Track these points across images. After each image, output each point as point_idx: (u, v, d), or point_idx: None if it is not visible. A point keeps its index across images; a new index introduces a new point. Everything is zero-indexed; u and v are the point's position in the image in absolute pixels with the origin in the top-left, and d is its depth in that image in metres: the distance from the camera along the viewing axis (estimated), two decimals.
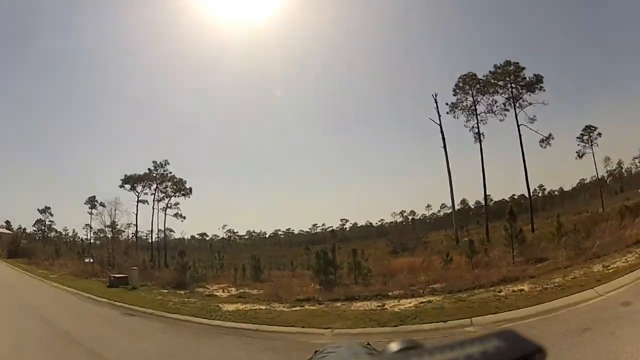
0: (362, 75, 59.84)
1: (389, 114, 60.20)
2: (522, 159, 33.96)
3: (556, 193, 41.86)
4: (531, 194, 35.02)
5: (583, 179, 40.42)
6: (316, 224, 53.72)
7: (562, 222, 23.87)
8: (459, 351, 0.54)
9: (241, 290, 24.34)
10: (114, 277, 28.06)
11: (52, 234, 57.98)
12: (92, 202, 49.99)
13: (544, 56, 56.98)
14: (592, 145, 36.71)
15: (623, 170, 40.75)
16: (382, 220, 48.90)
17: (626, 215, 23.03)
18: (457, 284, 18.79)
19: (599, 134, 36.72)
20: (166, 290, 25.29)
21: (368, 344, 1.63)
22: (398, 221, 48.37)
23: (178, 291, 24.97)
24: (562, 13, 49.06)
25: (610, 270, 15.86)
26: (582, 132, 37.06)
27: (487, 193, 37.69)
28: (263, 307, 19.10)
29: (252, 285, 26.45)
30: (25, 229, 59.48)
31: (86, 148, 62.57)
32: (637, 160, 40.00)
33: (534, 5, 50.58)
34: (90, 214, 49.66)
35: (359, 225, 49.41)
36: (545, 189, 42.96)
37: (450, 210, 41.01)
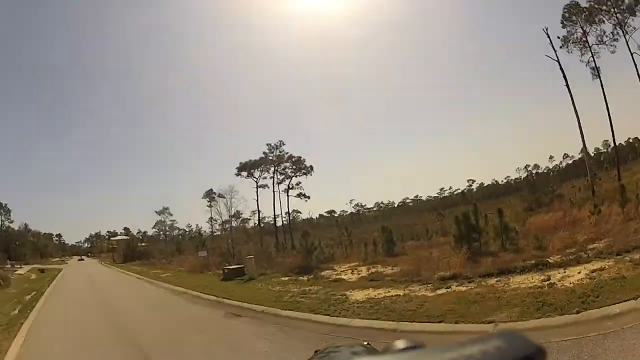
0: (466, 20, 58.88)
1: (497, 60, 58.68)
2: None
3: None
4: None
5: None
6: (443, 188, 54.07)
7: None
8: (459, 351, 0.53)
9: (373, 270, 22.74)
10: (228, 269, 27.35)
11: (175, 232, 61.86)
12: (209, 195, 51.57)
13: None
14: None
15: None
16: (507, 177, 48.35)
17: None
18: (622, 240, 16.70)
19: None
20: (287, 278, 23.98)
21: (368, 343, 1.61)
22: (523, 177, 47.01)
23: (301, 277, 23.57)
24: None
25: None
26: None
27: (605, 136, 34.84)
28: (400, 293, 16.78)
29: (385, 261, 24.86)
30: (145, 232, 64.05)
31: (200, 142, 67.16)
32: None
33: None
34: (210, 206, 51.38)
35: (485, 185, 48.57)
36: None
37: (573, 160, 38.90)
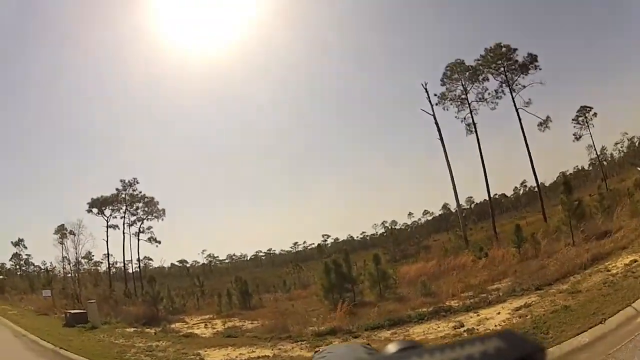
0: (339, 71, 58.94)
1: (369, 115, 59.65)
2: (525, 145, 32.96)
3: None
4: (538, 182, 33.56)
5: (576, 166, 41.02)
6: (297, 242, 52.55)
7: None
8: (459, 351, 0.54)
9: (229, 324, 20.75)
10: (70, 313, 24.70)
11: (31, 267, 53.75)
12: (61, 231, 45.89)
13: (536, 37, 57.87)
14: (587, 126, 36.75)
15: (608, 155, 41.47)
16: (363, 232, 48.49)
17: None
18: (531, 277, 16.09)
19: (595, 114, 36.71)
20: (133, 329, 21.57)
21: (368, 344, 1.75)
22: (379, 232, 47.76)
23: (148, 329, 21.19)
24: None
25: None
26: (578, 114, 37.00)
27: (469, 192, 36.74)
28: (268, 353, 14.08)
29: (242, 314, 23.30)
30: (3, 263, 55.81)
31: (53, 169, 57.64)
32: (619, 146, 40.82)
33: None
34: (61, 243, 45.70)
35: (340, 240, 47.98)
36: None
37: (433, 217, 40.62)
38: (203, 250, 50.60)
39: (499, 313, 13.56)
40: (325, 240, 48.23)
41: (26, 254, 53.40)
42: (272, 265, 48.62)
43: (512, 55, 33.79)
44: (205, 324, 21.82)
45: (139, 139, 62.40)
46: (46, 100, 57.14)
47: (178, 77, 65.30)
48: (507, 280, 17.07)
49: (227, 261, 51.93)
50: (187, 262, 50.35)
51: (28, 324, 24.93)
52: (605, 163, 40.11)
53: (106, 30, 60.10)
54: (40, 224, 56.93)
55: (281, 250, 52.25)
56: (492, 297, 15.19)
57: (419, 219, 48.18)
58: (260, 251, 52.69)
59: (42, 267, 52.03)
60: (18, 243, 52.61)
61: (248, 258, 52.64)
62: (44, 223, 52.07)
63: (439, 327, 13.66)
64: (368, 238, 43.97)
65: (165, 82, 63.63)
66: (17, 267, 55.44)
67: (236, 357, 14.12)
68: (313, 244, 50.29)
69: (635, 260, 13.63)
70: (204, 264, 50.24)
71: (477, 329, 12.68)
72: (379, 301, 18.67)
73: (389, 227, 45.73)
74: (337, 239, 47.59)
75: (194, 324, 22.48)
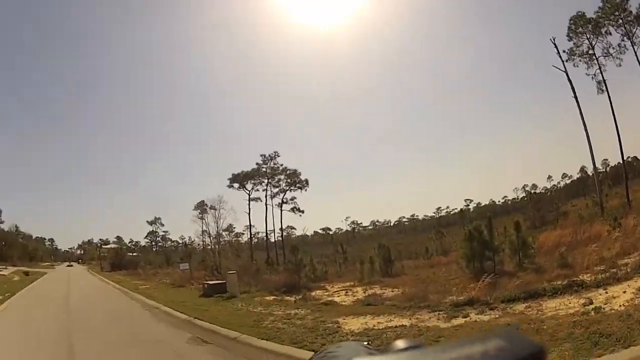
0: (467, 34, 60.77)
1: (501, 76, 60.55)
2: None
3: None
4: None
5: None
6: (440, 207, 55.17)
7: None
8: (459, 351, 0.56)
9: (370, 292, 21.39)
10: (208, 284, 26.27)
11: (168, 243, 62.87)
12: (201, 206, 52.18)
13: None
14: None
15: None
16: (505, 197, 49.66)
17: None
18: None
19: None
20: (272, 298, 22.69)
21: (368, 343, 1.60)
22: (520, 197, 48.39)
23: (287, 297, 22.30)
24: None
25: None
26: None
27: (605, 154, 35.74)
28: (406, 322, 14.89)
29: (383, 282, 23.86)
30: (137, 242, 66.43)
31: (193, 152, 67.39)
32: None
33: None
34: (201, 219, 52.31)
35: (482, 205, 49.50)
36: None
37: (571, 180, 40.10)
38: (347, 217, 52.70)
39: (624, 292, 14.03)
40: (468, 205, 48.65)
41: (163, 231, 58.41)
42: (415, 231, 49.17)
43: (625, 6, 32.40)
44: (346, 292, 22.58)
45: (283, 116, 66.63)
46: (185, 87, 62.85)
47: (324, 54, 68.58)
48: (636, 254, 17.11)
49: (370, 227, 53.25)
50: (330, 230, 52.24)
51: (161, 297, 26.76)
52: None
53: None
54: (179, 203, 62.60)
55: (424, 215, 53.23)
56: (620, 273, 15.65)
57: (558, 183, 46.87)
58: (404, 217, 53.98)
59: (180, 242, 56.64)
60: (155, 221, 57.95)
61: (391, 224, 53.77)
62: (183, 202, 57.07)
63: (570, 303, 14.40)
64: (509, 202, 43.98)
65: (308, 59, 66.83)
66: (153, 243, 60.49)
67: (374, 325, 14.75)
68: (455, 208, 50.84)
69: None
70: (347, 231, 51.79)
71: (604, 308, 13.49)
72: (517, 271, 19.42)
73: (529, 192, 44.83)
74: (479, 203, 48.01)
75: (334, 292, 23.14)
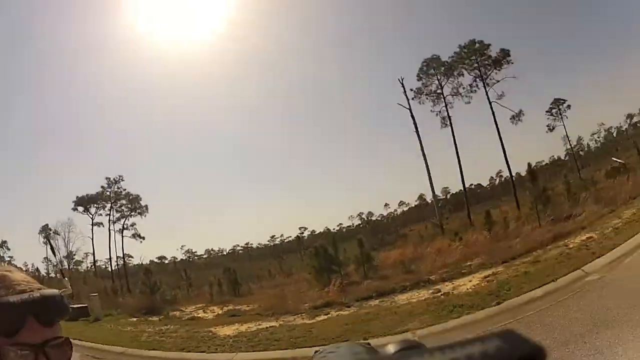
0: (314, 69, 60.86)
1: (345, 111, 61.95)
2: (498, 137, 34.91)
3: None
4: (512, 172, 35.83)
5: (552, 156, 43.72)
6: (274, 236, 54.20)
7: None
8: (459, 351, 0.54)
9: (227, 308, 22.32)
10: (71, 307, 23.54)
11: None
12: (45, 230, 46.21)
13: (510, 31, 60.29)
14: (561, 118, 39.27)
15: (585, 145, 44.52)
16: (340, 224, 50.26)
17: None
18: (499, 255, 18.72)
19: (568, 107, 39.21)
20: (136, 319, 22.82)
21: (368, 343, 1.46)
22: (356, 224, 49.60)
23: (150, 318, 22.58)
24: None
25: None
26: (551, 106, 39.30)
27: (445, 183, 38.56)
28: (274, 324, 16.36)
29: (235, 301, 24.75)
30: None
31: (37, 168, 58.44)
32: (595, 136, 43.93)
33: None
34: (46, 244, 46.22)
35: (317, 232, 49.80)
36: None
37: (409, 207, 42.46)
38: (182, 246, 51.88)
39: (470, 281, 16.40)
40: (302, 233, 50.21)
41: (8, 256, 53.75)
42: (250, 259, 50.03)
43: (485, 51, 36.14)
44: (204, 310, 23.30)
45: (122, 135, 64.15)
46: (27, 99, 58.54)
47: (158, 73, 66.77)
48: (478, 258, 19.49)
49: (205, 256, 53.15)
50: (166, 258, 51.41)
51: None
52: (581, 153, 43.15)
53: (84, 28, 61.34)
54: (25, 224, 57.71)
55: (258, 244, 53.87)
56: (465, 271, 18.00)
57: (395, 210, 50.62)
58: (238, 245, 54.26)
59: (24, 269, 52.67)
60: (1, 245, 52.83)
61: (226, 252, 54.00)
62: (30, 224, 52.89)
63: (420, 294, 16.42)
64: (344, 230, 45.99)
65: (147, 77, 65.33)
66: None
67: (246, 329, 15.90)
68: (290, 237, 52.25)
69: (591, 237, 16.53)
70: (182, 259, 51.27)
71: (452, 292, 15.52)
72: (363, 280, 21.01)
73: (365, 218, 48.01)
74: (313, 231, 49.58)
75: (191, 311, 23.78)
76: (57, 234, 46.54)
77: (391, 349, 0.82)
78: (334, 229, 48.04)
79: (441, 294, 15.60)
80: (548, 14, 52.08)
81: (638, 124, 40.71)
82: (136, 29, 59.74)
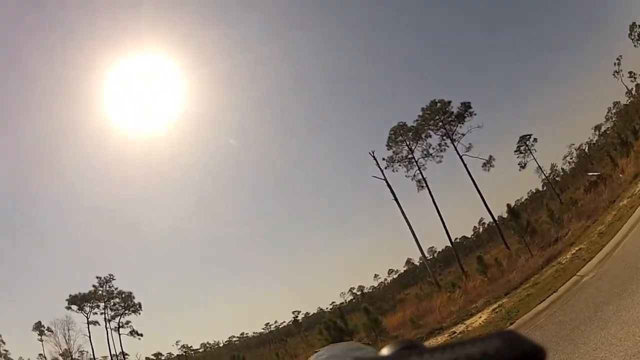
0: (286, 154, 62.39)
1: (319, 193, 63.21)
2: (475, 187, 36.97)
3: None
4: (494, 216, 37.29)
5: (530, 190, 47.17)
6: (269, 323, 53.70)
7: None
8: (459, 351, 0.58)
9: None
10: None
11: None
12: (39, 327, 45.05)
13: (466, 85, 66.50)
14: (530, 152, 42.14)
15: (558, 170, 47.64)
16: (333, 302, 50.48)
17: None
18: (499, 290, 20.38)
19: (535, 140, 42.22)
20: None
21: (368, 343, 2.04)
22: (348, 300, 49.83)
23: None
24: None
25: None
26: (518, 144, 42.40)
27: (430, 243, 39.74)
28: None
29: None
30: None
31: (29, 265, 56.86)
32: (568, 158, 46.98)
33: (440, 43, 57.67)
34: (41, 340, 45.12)
35: (310, 314, 49.65)
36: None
37: (398, 274, 43.31)
38: (177, 341, 51.29)
39: (480, 317, 17.89)
40: (297, 316, 50.34)
41: (4, 350, 52.82)
42: (248, 348, 49.60)
43: (447, 108, 38.69)
44: None
45: (109, 236, 64.11)
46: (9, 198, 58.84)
47: (143, 167, 67.34)
48: (481, 299, 20.86)
49: (201, 350, 52.50)
50: (162, 355, 50.76)
51: None
52: (558, 179, 45.19)
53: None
54: (21, 319, 56.72)
55: (254, 332, 53.54)
56: (472, 312, 19.35)
57: (385, 279, 51.36)
58: (234, 336, 53.86)
59: None
60: None
61: (222, 344, 53.45)
62: (27, 319, 51.94)
63: (437, 340, 17.67)
64: (338, 307, 46.29)
65: (131, 174, 66.04)
66: None
67: None
68: (284, 322, 52.25)
69: (580, 248, 18.27)
70: (178, 355, 50.62)
71: (467, 330, 16.76)
72: (376, 345, 21.70)
73: (358, 293, 48.63)
74: (307, 313, 49.81)
75: None
76: (51, 331, 46.28)
77: (391, 349, 0.82)
78: (327, 308, 48.46)
79: (458, 334, 16.86)
80: (491, 61, 56.31)
81: (607, 132, 43.81)
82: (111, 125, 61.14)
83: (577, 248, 18.71)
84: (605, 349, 8.14)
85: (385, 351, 0.80)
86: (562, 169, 47.04)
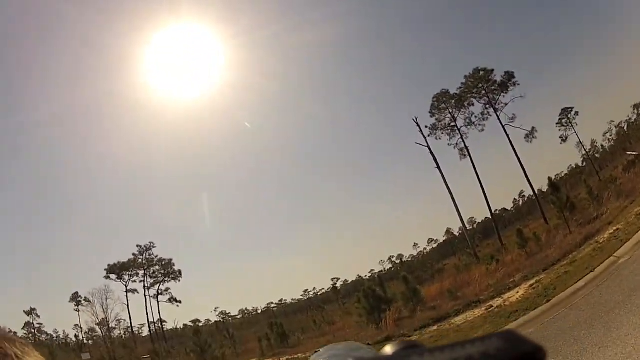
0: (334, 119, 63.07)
1: (364, 154, 63.92)
2: (516, 158, 36.88)
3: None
4: (534, 190, 37.48)
5: (570, 165, 45.78)
6: (307, 289, 54.84)
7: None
8: (459, 351, 0.59)
9: (284, 358, 24.23)
10: None
11: (44, 336, 53.57)
12: (76, 298, 47.37)
13: (510, 52, 63.12)
14: (572, 126, 41.34)
15: (599, 147, 46.30)
16: (372, 270, 50.98)
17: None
18: (537, 265, 20.23)
19: (577, 113, 41.38)
20: None
21: (368, 343, 2.08)
22: (386, 268, 50.42)
23: None
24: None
25: None
26: (560, 117, 41.47)
27: (471, 214, 40.11)
28: None
29: (288, 352, 26.32)
30: (15, 332, 54.29)
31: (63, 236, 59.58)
32: (607, 135, 45.45)
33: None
34: (77, 311, 47.54)
35: (349, 282, 50.63)
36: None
37: (437, 244, 43.82)
38: (215, 308, 52.21)
39: (517, 292, 18.67)
40: (335, 284, 51.00)
41: (38, 323, 54.49)
42: (286, 315, 50.31)
43: (490, 77, 38.37)
44: None
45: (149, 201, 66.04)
46: (51, 168, 60.99)
47: (185, 138, 68.60)
48: (519, 274, 21.63)
49: (239, 317, 53.30)
50: (200, 321, 51.71)
51: None
52: (597, 156, 44.76)
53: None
54: (57, 292, 58.39)
55: (292, 299, 54.27)
56: (510, 286, 20.18)
57: (424, 249, 51.64)
58: (272, 303, 54.65)
59: (54, 335, 53.55)
60: (31, 312, 53.53)
61: (260, 311, 54.29)
62: (62, 291, 53.69)
63: (474, 313, 18.61)
64: (376, 276, 46.54)
65: (173, 144, 67.42)
66: (31, 335, 55.96)
67: None
68: (323, 289, 52.89)
69: (618, 229, 18.78)
70: (216, 321, 51.56)
71: (504, 305, 17.54)
72: (413, 314, 23.01)
73: (397, 261, 49.05)
74: (346, 280, 50.38)
75: None
76: (88, 301, 48.04)
77: (391, 349, 0.73)
78: (366, 276, 48.91)
79: (495, 308, 17.68)
80: (537, 29, 55.55)
81: None
82: (147, 93, 62.20)
83: (614, 228, 19.25)
84: (636, 335, 8.81)
85: (385, 351, 0.74)
86: (602, 145, 46.16)
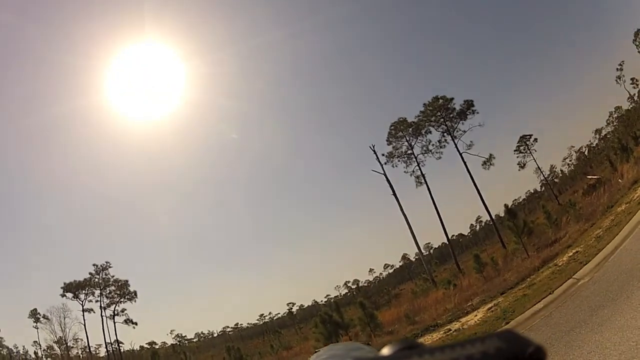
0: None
1: (318, 181, 64.19)
2: (474, 185, 37.72)
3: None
4: (491, 215, 37.77)
5: (528, 190, 47.97)
6: (263, 314, 54.54)
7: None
8: (459, 351, 0.59)
9: None
10: None
11: (5, 350, 51.72)
12: (35, 315, 46.01)
13: (470, 83, 68.04)
14: (530, 152, 43.09)
15: (557, 172, 48.31)
16: (327, 295, 51.13)
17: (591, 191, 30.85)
18: (495, 289, 20.67)
19: (535, 140, 43.09)
20: None
21: (368, 343, 2.13)
22: (342, 293, 50.59)
23: None
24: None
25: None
26: (518, 144, 43.29)
27: (427, 240, 40.45)
28: None
29: None
30: None
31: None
32: (567, 160, 47.74)
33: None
34: (36, 328, 46.24)
35: (305, 307, 50.52)
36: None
37: (393, 269, 44.12)
38: (171, 331, 52.04)
39: (476, 315, 18.68)
40: (291, 308, 51.21)
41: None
42: (242, 339, 50.37)
43: (449, 105, 39.30)
44: None
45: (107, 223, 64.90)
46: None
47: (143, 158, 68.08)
48: (477, 297, 21.72)
49: (195, 340, 53.30)
50: (156, 344, 51.42)
51: None
52: (556, 180, 45.90)
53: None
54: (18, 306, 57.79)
55: (248, 323, 54.35)
56: (467, 310, 20.17)
57: (381, 274, 52.28)
58: (228, 327, 54.67)
59: (14, 351, 52.49)
60: None
61: (216, 334, 54.26)
62: (23, 306, 53.30)
63: (433, 337, 18.49)
64: (332, 300, 46.93)
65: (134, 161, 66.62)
66: None
67: None
68: (279, 313, 53.14)
69: (577, 251, 18.94)
70: (173, 344, 51.33)
71: (463, 328, 17.37)
72: (370, 339, 22.77)
73: (354, 286, 49.44)
74: (302, 305, 50.71)
75: None
76: (47, 318, 47.25)
77: (390, 348, 0.79)
78: (321, 301, 49.30)
79: (453, 331, 17.62)
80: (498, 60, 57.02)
81: (607, 136, 44.45)
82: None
83: (574, 251, 19.45)
84: (599, 352, 8.80)
85: (385, 351, 0.80)
86: (561, 170, 47.90)
